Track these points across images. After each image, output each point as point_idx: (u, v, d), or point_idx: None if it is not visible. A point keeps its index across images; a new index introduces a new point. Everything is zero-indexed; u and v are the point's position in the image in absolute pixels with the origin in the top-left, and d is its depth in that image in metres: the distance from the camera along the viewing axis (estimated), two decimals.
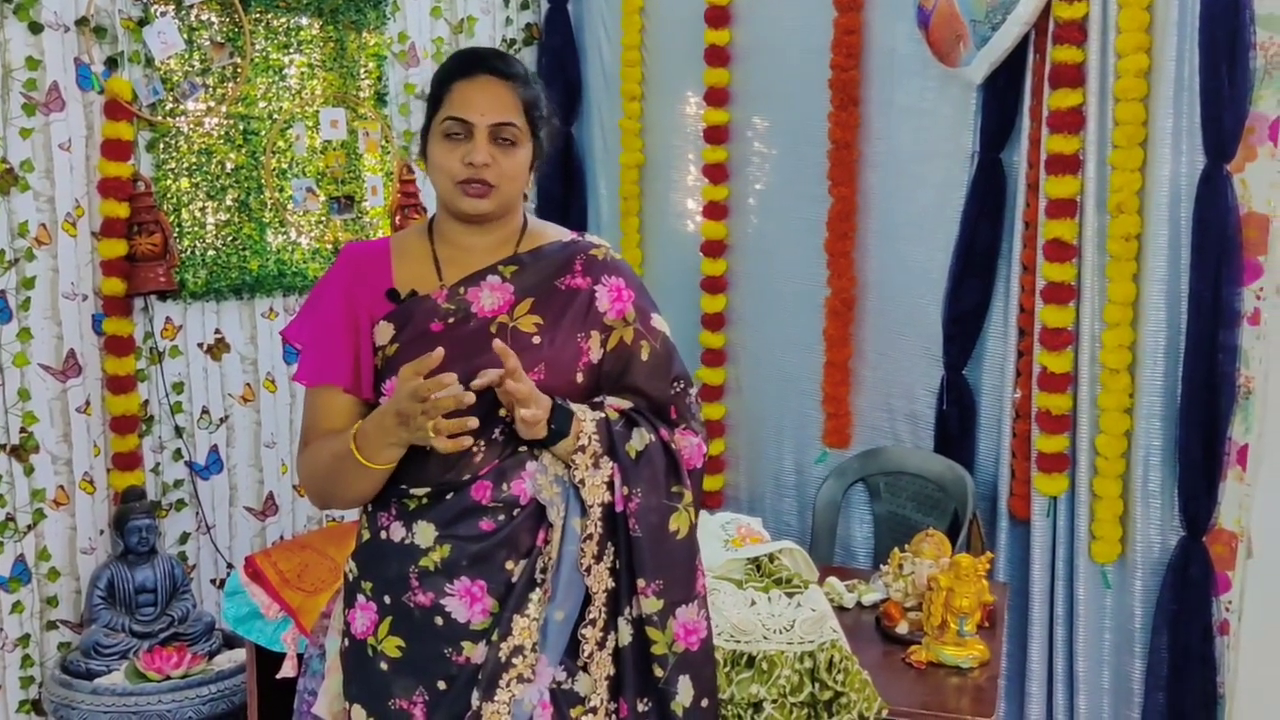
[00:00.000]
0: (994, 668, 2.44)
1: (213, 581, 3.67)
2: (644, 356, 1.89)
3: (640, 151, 4.16)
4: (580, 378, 1.86)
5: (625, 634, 1.82)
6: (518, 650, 1.78)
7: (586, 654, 1.81)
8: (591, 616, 1.81)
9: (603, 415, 1.83)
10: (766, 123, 3.92)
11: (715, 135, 3.96)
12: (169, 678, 3.15)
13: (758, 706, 2.24)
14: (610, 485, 1.81)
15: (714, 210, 3.99)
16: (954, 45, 3.32)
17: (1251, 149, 2.99)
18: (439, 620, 1.79)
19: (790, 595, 2.44)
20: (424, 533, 1.80)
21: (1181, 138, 3.05)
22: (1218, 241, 2.99)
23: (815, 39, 3.68)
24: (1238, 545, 3.11)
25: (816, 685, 2.26)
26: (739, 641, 2.28)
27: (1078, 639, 3.28)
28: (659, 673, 1.81)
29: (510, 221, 1.92)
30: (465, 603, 1.78)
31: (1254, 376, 3.05)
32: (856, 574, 3.00)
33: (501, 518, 1.80)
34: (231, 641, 3.38)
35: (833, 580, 2.83)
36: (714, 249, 4.00)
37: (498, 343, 1.74)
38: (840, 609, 2.71)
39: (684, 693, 1.83)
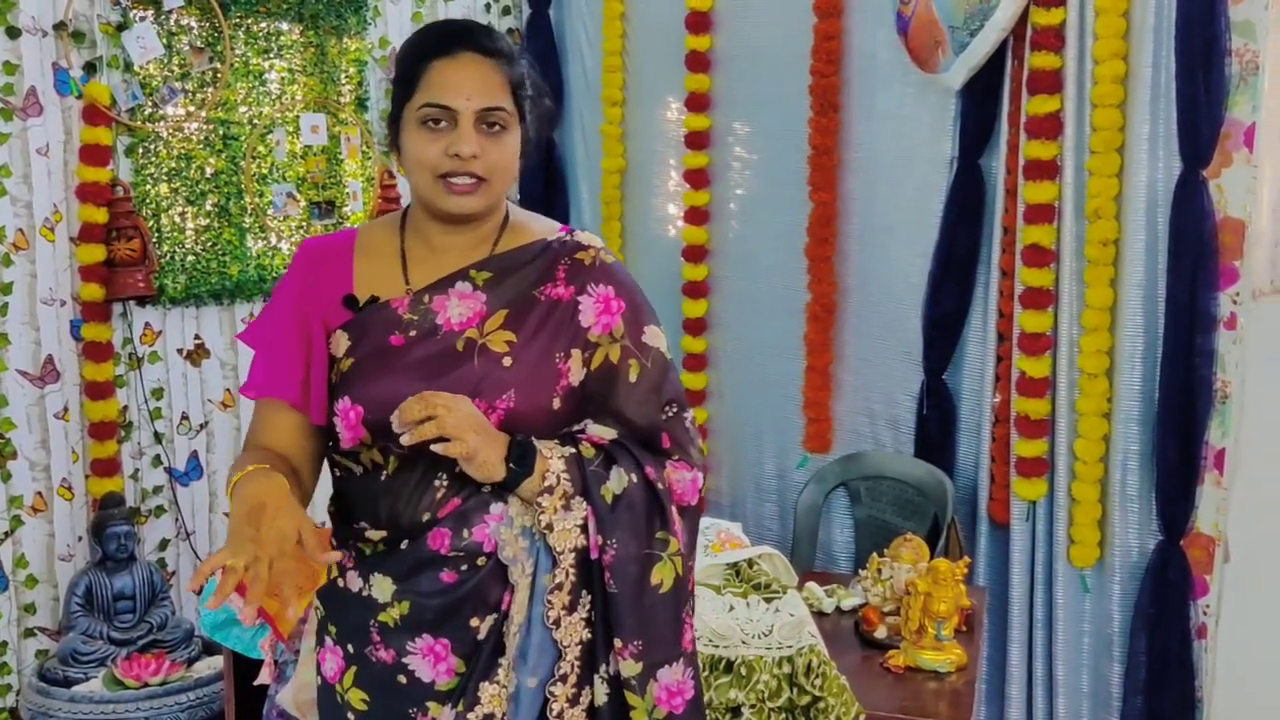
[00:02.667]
0: (971, 672, 2.44)
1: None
2: (631, 378, 1.65)
3: (622, 156, 4.16)
4: (558, 403, 1.63)
5: (601, 692, 1.61)
6: (488, 718, 1.60)
7: (555, 712, 1.60)
8: (562, 672, 1.60)
9: (574, 451, 1.60)
10: (747, 128, 3.92)
11: (696, 140, 3.97)
12: (147, 685, 3.14)
13: (736, 711, 2.24)
14: (584, 529, 1.59)
15: (695, 215, 4.00)
16: (933, 51, 3.34)
17: (1227, 154, 3.01)
18: (402, 678, 1.63)
19: (769, 600, 2.44)
20: (381, 586, 1.62)
21: (1158, 143, 3.06)
22: (1194, 247, 3.01)
23: (795, 45, 3.69)
24: (1215, 549, 3.13)
25: (795, 690, 2.27)
26: (717, 647, 2.28)
27: (1057, 643, 3.29)
28: None
29: (491, 218, 1.68)
30: (429, 662, 1.61)
31: (1230, 381, 3.06)
32: (837, 579, 3.01)
33: (464, 568, 1.59)
34: (211, 648, 3.36)
35: (812, 585, 2.83)
36: (695, 254, 4.01)
37: (400, 410, 1.52)
38: (819, 614, 2.72)
39: None
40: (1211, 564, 3.14)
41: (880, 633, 2.59)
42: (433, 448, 1.51)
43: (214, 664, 3.29)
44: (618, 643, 1.59)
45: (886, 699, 2.34)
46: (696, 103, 3.95)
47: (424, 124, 1.59)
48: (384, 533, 1.63)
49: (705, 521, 2.77)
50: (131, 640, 3.29)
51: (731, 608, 2.42)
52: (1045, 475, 3.29)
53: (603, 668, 1.61)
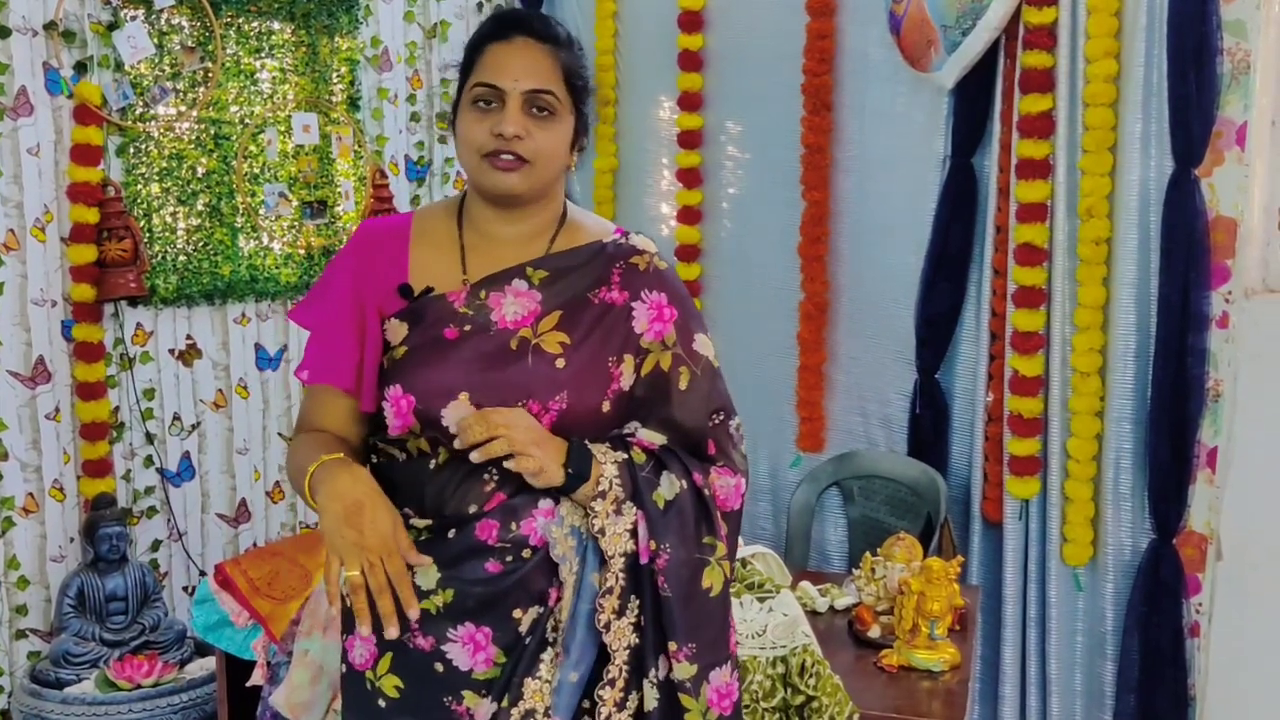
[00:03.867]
0: (965, 671, 2.44)
1: (184, 589, 3.64)
2: (682, 385, 1.66)
3: (614, 156, 4.16)
4: (607, 406, 1.64)
5: (651, 698, 1.61)
6: (529, 714, 1.60)
7: (604, 716, 1.60)
8: (610, 676, 1.60)
9: (626, 456, 1.61)
10: (740, 127, 3.93)
11: (689, 140, 3.97)
12: (140, 686, 3.13)
13: None
14: (634, 533, 1.59)
15: (688, 215, 4.00)
16: (925, 50, 3.34)
17: (1219, 153, 3.01)
18: (439, 666, 1.61)
19: (762, 600, 2.44)
20: (426, 573, 1.61)
21: (1150, 142, 3.07)
22: (1186, 246, 3.02)
23: (788, 44, 3.69)
24: (1208, 548, 3.14)
25: (789, 690, 2.26)
26: None
27: (1050, 641, 3.29)
28: None
29: (546, 210, 1.69)
30: (468, 650, 1.60)
31: (1223, 380, 3.07)
32: (830, 578, 3.01)
33: (510, 559, 1.60)
34: (203, 650, 3.35)
35: (805, 585, 2.83)
36: (688, 253, 4.01)
37: (462, 430, 1.55)
38: (813, 613, 2.72)
39: None
40: (1204, 562, 3.15)
41: (874, 632, 2.59)
42: (505, 464, 1.55)
43: (206, 665, 3.28)
44: (672, 646, 1.60)
45: (880, 698, 2.34)
46: (689, 102, 3.95)
47: (474, 104, 1.62)
48: (429, 520, 1.62)
49: None
50: (124, 641, 3.27)
51: None
52: (1038, 474, 3.29)
53: (652, 672, 1.61)
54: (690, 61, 3.93)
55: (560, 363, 1.61)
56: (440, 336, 1.62)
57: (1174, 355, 3.06)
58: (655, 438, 1.66)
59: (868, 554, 2.76)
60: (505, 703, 1.60)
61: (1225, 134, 3.00)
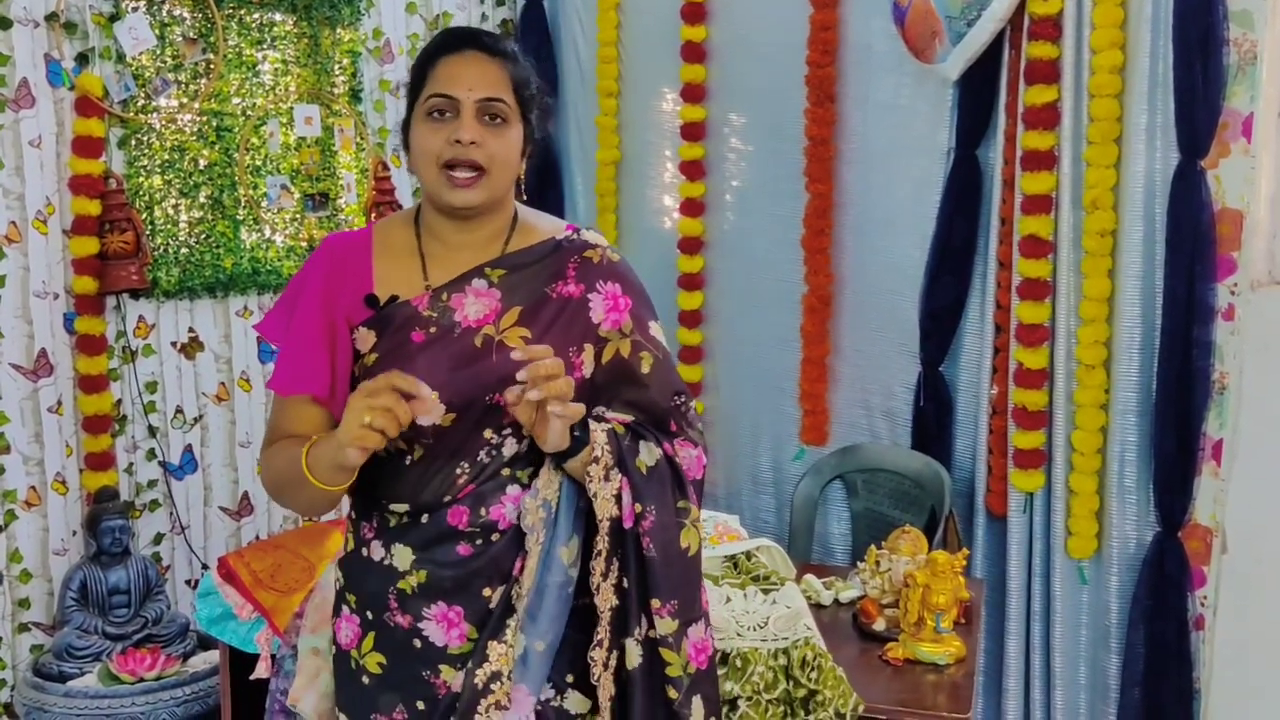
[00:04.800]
0: (970, 664, 2.44)
1: (187, 582, 3.64)
2: (645, 369, 1.75)
3: (616, 148, 4.15)
4: (570, 395, 1.70)
5: (634, 655, 1.70)
6: (495, 676, 1.71)
7: (595, 677, 1.70)
8: (599, 637, 1.70)
9: (610, 427, 1.71)
10: (743, 119, 3.91)
11: (692, 132, 3.95)
12: (142, 680, 3.13)
13: (732, 704, 2.23)
14: (618, 499, 1.69)
15: (691, 207, 3.99)
16: (930, 41, 3.32)
17: (1225, 145, 3.00)
18: (417, 642, 1.73)
19: (766, 592, 2.44)
20: (401, 555, 1.72)
21: (1156, 134, 3.05)
22: (1192, 237, 3.00)
23: (791, 35, 3.67)
24: (1213, 540, 3.13)
25: (791, 683, 2.26)
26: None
27: (1054, 635, 3.29)
28: (673, 695, 1.71)
29: (500, 215, 1.77)
30: (442, 628, 1.71)
31: (1228, 372, 3.06)
32: (834, 571, 3.00)
33: (479, 542, 1.70)
34: (206, 643, 3.35)
35: (810, 578, 2.82)
36: (691, 246, 4.00)
37: (516, 352, 1.60)
38: (817, 606, 2.71)
39: (696, 713, 1.73)
40: (1209, 555, 3.14)
41: (879, 625, 2.58)
42: (550, 409, 1.58)
43: (210, 658, 3.28)
44: (655, 603, 1.69)
45: (885, 691, 2.33)
46: (692, 94, 3.93)
47: (429, 115, 1.69)
48: (406, 506, 1.72)
49: (703, 514, 2.76)
50: (126, 635, 3.27)
51: (728, 599, 2.41)
52: (1043, 467, 3.28)
53: (636, 630, 1.70)
54: (693, 53, 3.91)
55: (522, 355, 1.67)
56: (408, 340, 1.69)
57: (1179, 348, 3.04)
58: (623, 416, 1.75)
59: (873, 547, 2.75)
60: (471, 664, 1.70)
61: (1231, 125, 2.99)
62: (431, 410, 1.60)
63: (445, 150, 1.67)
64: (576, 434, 1.66)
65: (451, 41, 1.72)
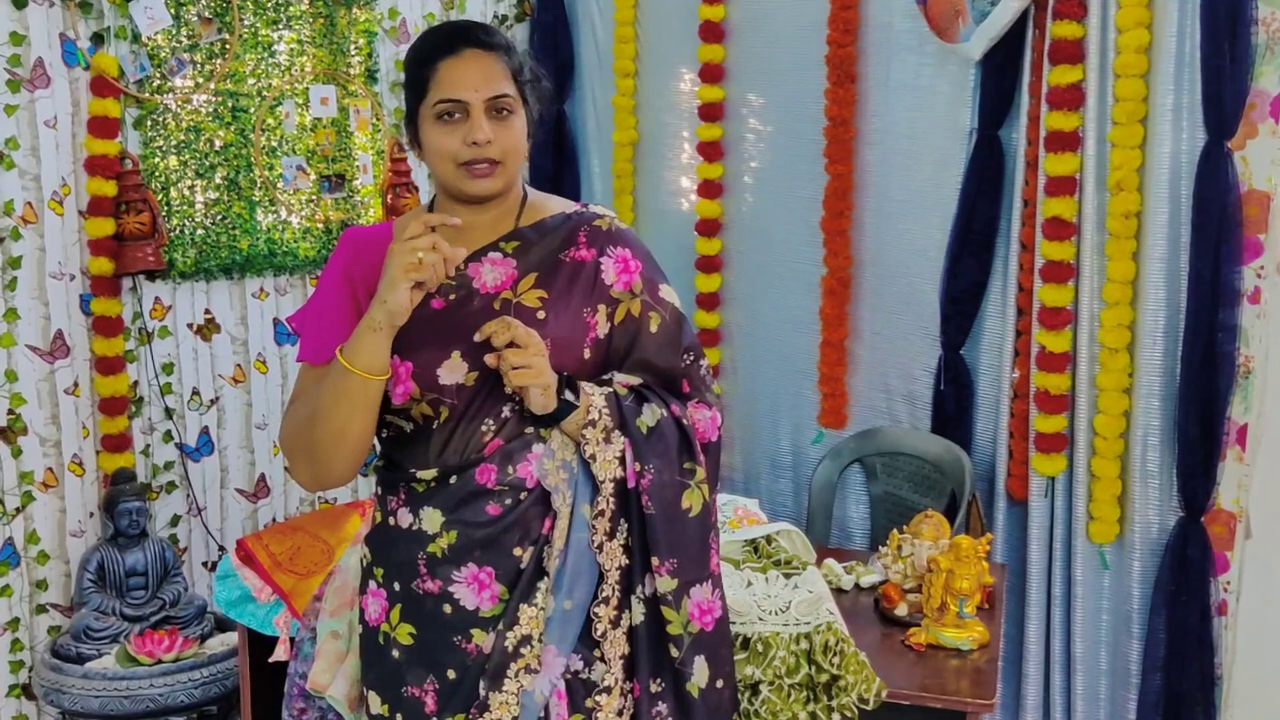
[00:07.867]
0: (994, 650, 2.42)
1: (204, 564, 3.64)
2: (653, 329, 1.84)
3: (634, 129, 4.12)
4: (588, 354, 1.81)
5: (638, 612, 1.78)
6: (525, 640, 1.75)
7: (599, 633, 1.77)
8: (605, 595, 1.77)
9: (611, 390, 1.79)
10: (762, 100, 3.88)
11: (710, 112, 3.92)
12: (160, 661, 3.13)
13: (754, 688, 2.23)
14: (622, 460, 1.77)
15: (709, 189, 3.96)
16: (952, 21, 3.29)
17: (1253, 126, 2.96)
18: (448, 608, 1.77)
19: (788, 577, 2.42)
20: (431, 518, 1.77)
21: (1182, 114, 3.01)
22: (1218, 219, 2.96)
23: (811, 14, 3.64)
24: (1236, 526, 3.10)
25: (813, 667, 2.25)
26: (734, 623, 2.25)
27: (1075, 620, 3.26)
28: (674, 653, 1.78)
29: (510, 196, 1.86)
30: (473, 590, 1.76)
31: (1254, 356, 3.02)
32: (853, 555, 2.98)
33: (508, 501, 1.76)
34: (223, 625, 3.35)
35: (830, 562, 2.81)
36: (709, 228, 3.97)
37: (497, 321, 1.70)
38: (838, 591, 2.70)
39: (699, 674, 1.80)
40: (1232, 540, 3.11)
41: (901, 610, 2.57)
42: (511, 372, 1.69)
43: (228, 640, 3.28)
44: (654, 560, 1.77)
45: (908, 677, 2.32)
46: (710, 74, 3.90)
47: (440, 119, 1.77)
48: (434, 471, 1.77)
49: (723, 498, 2.75)
50: (144, 616, 3.28)
51: (750, 584, 2.40)
52: (1064, 451, 3.25)
53: (639, 589, 1.78)
54: (711, 33, 3.87)
55: (541, 314, 1.78)
56: (428, 308, 1.76)
57: (1204, 331, 3.01)
58: (632, 379, 1.83)
59: (895, 532, 2.73)
60: (502, 626, 1.75)
61: (1259, 106, 2.94)
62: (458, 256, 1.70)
63: (462, 151, 1.76)
64: (563, 397, 1.74)
65: (448, 42, 1.79)
